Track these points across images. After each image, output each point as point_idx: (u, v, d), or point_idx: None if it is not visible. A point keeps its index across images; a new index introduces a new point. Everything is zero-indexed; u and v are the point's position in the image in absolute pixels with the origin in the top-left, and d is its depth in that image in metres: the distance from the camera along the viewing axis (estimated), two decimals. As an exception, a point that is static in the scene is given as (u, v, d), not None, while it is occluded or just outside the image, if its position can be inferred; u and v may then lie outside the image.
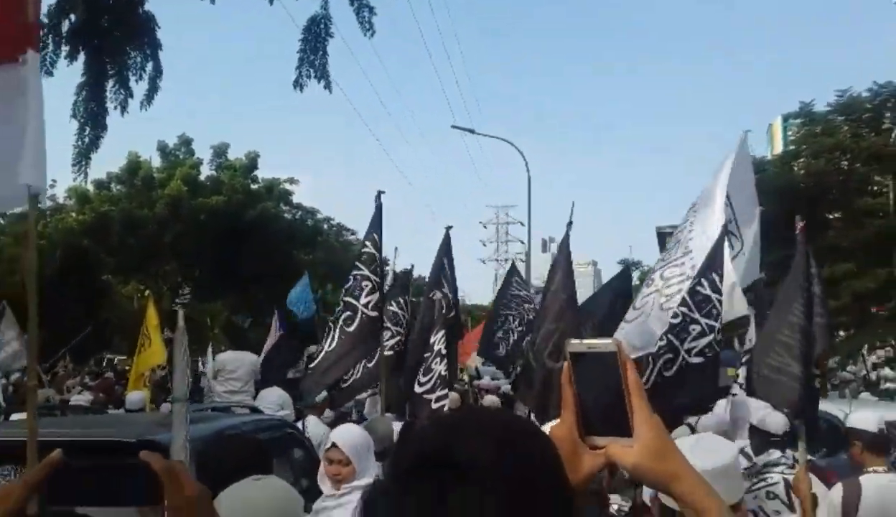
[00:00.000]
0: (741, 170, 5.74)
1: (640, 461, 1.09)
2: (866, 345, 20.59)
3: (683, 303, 4.87)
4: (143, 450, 1.25)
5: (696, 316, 4.79)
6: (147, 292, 12.77)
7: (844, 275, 20.71)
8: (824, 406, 7.11)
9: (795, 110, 25.41)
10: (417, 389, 5.70)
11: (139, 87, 9.67)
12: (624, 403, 1.11)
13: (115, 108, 9.62)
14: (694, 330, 4.73)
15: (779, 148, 34.45)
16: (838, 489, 4.27)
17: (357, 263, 6.65)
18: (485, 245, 70.45)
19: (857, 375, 17.32)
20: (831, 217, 23.23)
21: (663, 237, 49.55)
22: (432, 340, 5.83)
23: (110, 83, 9.46)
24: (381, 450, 4.85)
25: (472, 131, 29.15)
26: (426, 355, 5.85)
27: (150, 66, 9.55)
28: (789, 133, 32.16)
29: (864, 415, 4.74)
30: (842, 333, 22.15)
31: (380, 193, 6.83)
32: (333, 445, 3.92)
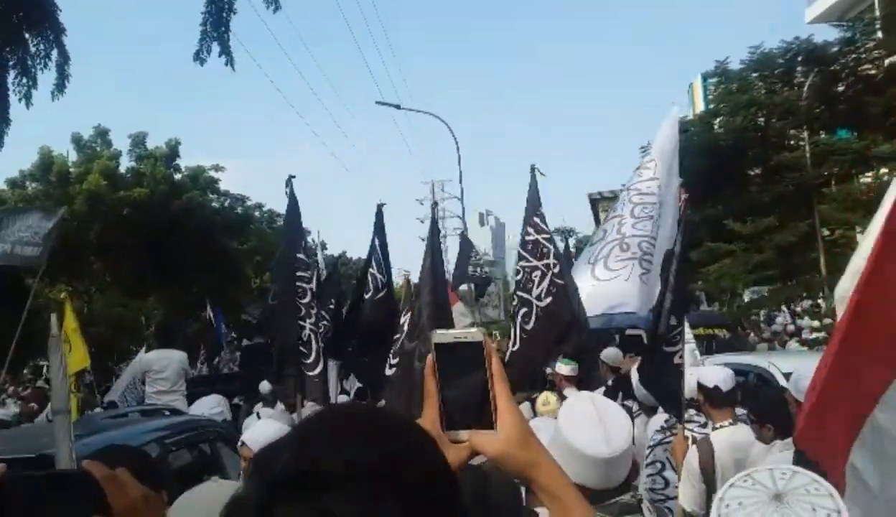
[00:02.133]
0: (668, 142, 6.22)
1: (503, 448, 1.08)
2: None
3: (519, 257, 5.29)
4: (43, 464, 1.20)
5: (534, 262, 5.14)
6: (63, 294, 12.27)
7: (767, 230, 21.39)
8: (755, 360, 7.35)
9: (712, 69, 26.01)
10: (388, 372, 5.63)
11: (46, 77, 9.29)
12: (486, 395, 1.09)
13: (20, 100, 9.20)
14: (535, 276, 5.06)
15: (700, 107, 35.24)
16: (693, 452, 4.40)
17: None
18: (422, 222, 70.40)
19: (783, 327, 17.94)
20: (752, 173, 23.92)
21: (595, 203, 50.19)
22: (402, 321, 5.72)
23: (11, 74, 9.04)
24: None
25: (397, 106, 28.91)
26: (395, 337, 5.75)
27: (54, 53, 9.16)
28: (709, 93, 32.93)
29: (711, 371, 4.77)
30: (767, 287, 22.96)
31: (290, 178, 6.63)
32: (243, 444, 3.86)
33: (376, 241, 7.49)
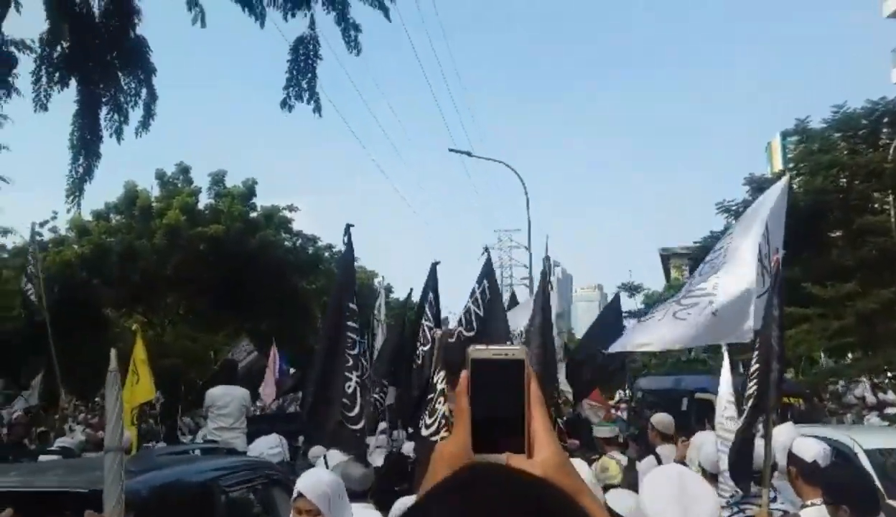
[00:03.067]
0: (779, 211, 6.07)
1: (545, 473, 0.99)
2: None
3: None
4: (96, 499, 1.15)
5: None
6: (135, 325, 12.58)
7: (848, 295, 20.54)
8: (836, 434, 6.95)
9: (792, 127, 25.43)
10: (424, 432, 5.39)
11: (134, 114, 9.66)
12: (521, 418, 1.01)
13: (111, 135, 9.59)
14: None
15: (779, 165, 34.49)
16: None
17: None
18: (490, 270, 70.30)
19: (861, 399, 17.06)
20: (833, 236, 23.12)
21: (666, 259, 49.33)
22: (434, 380, 5.55)
23: (104, 110, 9.44)
24: (363, 490, 4.76)
25: (468, 154, 29.16)
26: (429, 396, 5.56)
27: (144, 92, 9.53)
28: (788, 151, 32.21)
29: (810, 444, 4.49)
30: (849, 355, 21.96)
31: (348, 227, 6.66)
32: (300, 495, 3.65)
33: (430, 296, 7.52)
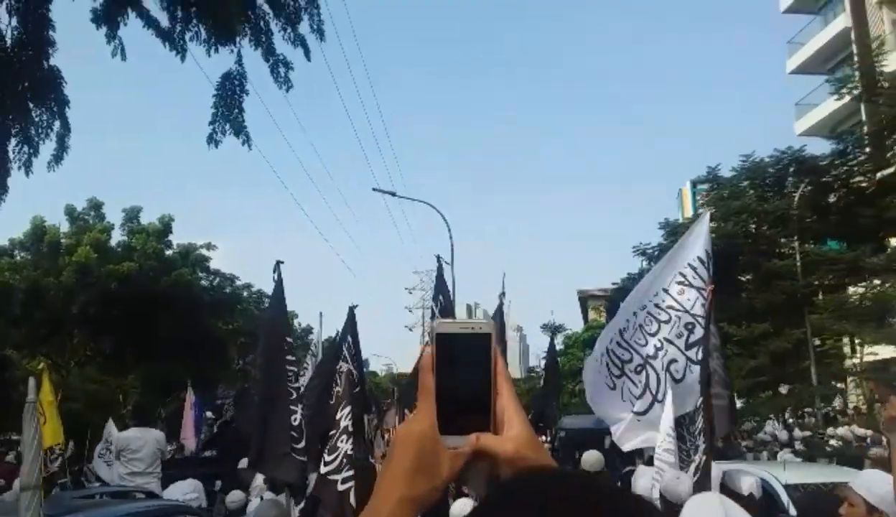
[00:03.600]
0: (707, 246, 6.50)
1: (516, 449, 0.94)
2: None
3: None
4: None
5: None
6: (41, 365, 11.94)
7: (762, 335, 21.32)
8: (753, 470, 7.12)
9: (703, 175, 26.45)
10: (322, 469, 5.28)
11: (46, 147, 9.24)
12: (486, 395, 0.96)
13: (19, 168, 9.13)
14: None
15: (689, 211, 35.80)
16: None
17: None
18: (411, 311, 70.19)
19: (773, 437, 17.58)
20: (743, 279, 24.00)
21: (584, 301, 50.23)
22: (338, 416, 5.43)
23: (13, 142, 8.99)
24: None
25: (392, 194, 29.16)
26: (332, 433, 5.46)
27: (57, 124, 9.15)
28: (698, 198, 33.46)
29: (740, 476, 4.74)
30: (762, 395, 22.71)
31: (278, 263, 6.71)
32: None
33: (349, 340, 7.57)
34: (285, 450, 6.04)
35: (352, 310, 7.58)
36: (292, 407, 6.14)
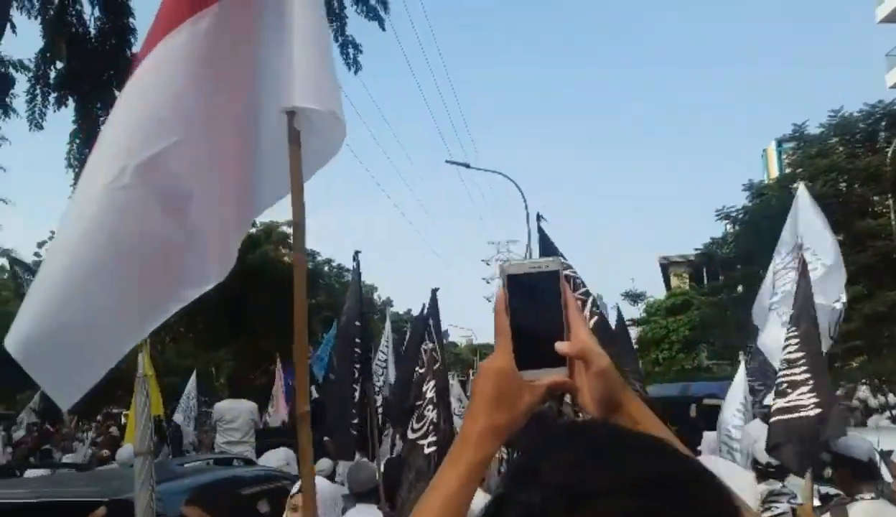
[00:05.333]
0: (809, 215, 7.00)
1: (604, 367, 1.02)
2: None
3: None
4: (116, 509, 1.11)
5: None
6: (140, 342, 12.56)
7: (855, 298, 20.53)
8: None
9: (789, 133, 25.43)
10: (411, 435, 5.81)
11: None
12: (559, 330, 1.02)
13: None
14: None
15: (775, 172, 34.50)
16: None
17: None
18: (488, 283, 70.37)
19: (863, 402, 16.95)
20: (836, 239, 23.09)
21: (666, 268, 49.20)
22: (424, 388, 5.99)
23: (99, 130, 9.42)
24: (367, 490, 5.19)
25: (466, 165, 29.15)
26: (418, 402, 6.00)
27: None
28: (784, 157, 32.21)
29: (856, 441, 4.62)
30: (856, 360, 21.90)
31: (356, 253, 7.12)
32: (298, 492, 3.90)
33: (430, 322, 7.75)
34: (346, 424, 6.68)
35: (434, 292, 7.83)
36: (354, 386, 6.70)
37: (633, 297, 39.10)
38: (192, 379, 14.37)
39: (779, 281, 7.00)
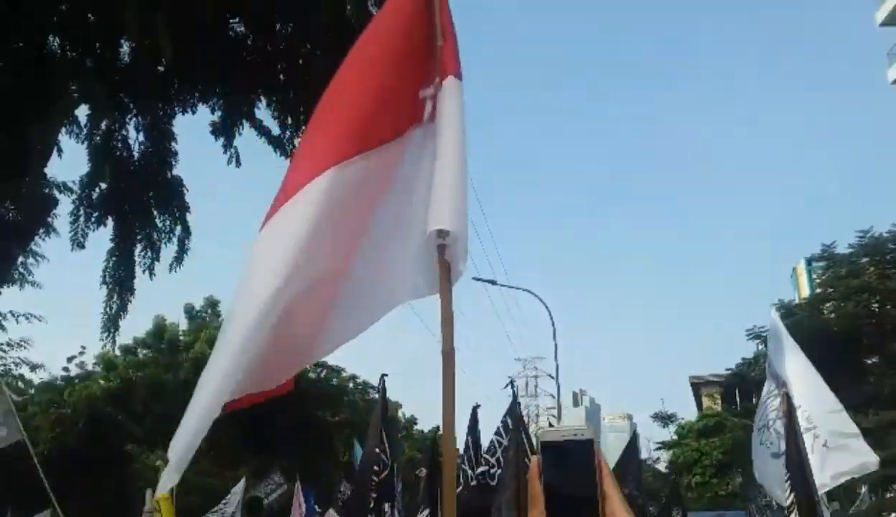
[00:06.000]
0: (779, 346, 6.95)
1: None
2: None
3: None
4: None
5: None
6: (158, 462, 12.47)
7: (891, 424, 19.83)
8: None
9: (818, 253, 25.38)
10: None
11: (167, 250, 9.87)
12: (595, 498, 1.01)
13: (144, 272, 9.76)
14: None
15: (805, 291, 34.20)
16: None
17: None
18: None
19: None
20: (869, 362, 22.60)
21: (697, 387, 48.36)
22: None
23: (138, 247, 9.64)
24: None
25: (493, 282, 29.28)
26: None
27: (178, 229, 9.77)
28: (814, 276, 31.97)
29: None
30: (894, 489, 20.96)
31: (383, 377, 7.26)
32: None
33: (469, 439, 7.86)
34: None
35: (475, 410, 8.00)
36: (372, 494, 6.80)
37: (664, 419, 38.19)
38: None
39: (761, 408, 7.07)
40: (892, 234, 22.16)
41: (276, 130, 9.91)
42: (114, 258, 9.59)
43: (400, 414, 43.52)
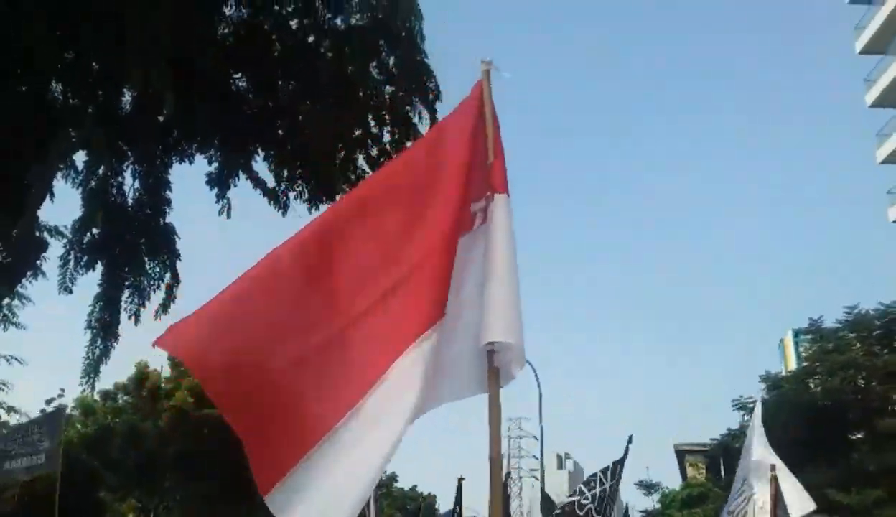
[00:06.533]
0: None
1: None
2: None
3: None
4: None
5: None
6: (129, 512, 12.22)
7: (876, 502, 19.66)
8: None
9: (805, 326, 25.50)
10: None
11: (154, 297, 9.82)
12: None
13: (129, 317, 9.69)
14: None
15: (792, 363, 34.22)
16: None
17: None
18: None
19: None
20: (854, 438, 22.50)
21: (681, 455, 47.83)
22: None
23: (126, 293, 9.60)
24: None
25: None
26: None
27: (167, 276, 9.74)
28: (801, 349, 32.05)
29: None
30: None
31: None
32: None
33: (456, 509, 7.97)
34: None
35: (460, 482, 8.03)
36: None
37: (648, 487, 37.74)
38: None
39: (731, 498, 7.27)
40: (878, 312, 22.32)
41: (271, 183, 9.99)
42: (101, 303, 9.53)
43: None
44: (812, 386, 23.90)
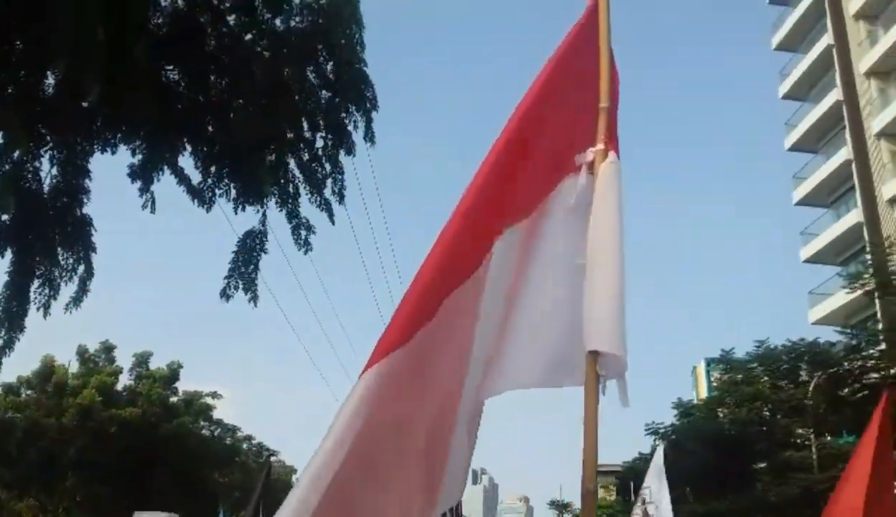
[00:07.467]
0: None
1: None
2: None
3: None
4: None
5: None
6: (23, 511, 11.68)
7: (775, 532, 20.39)
8: None
9: (717, 356, 26.36)
10: None
11: (66, 289, 9.42)
12: None
13: (38, 309, 9.25)
14: None
15: (703, 391, 35.27)
16: None
17: None
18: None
19: None
20: (758, 467, 23.28)
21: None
22: None
23: (35, 283, 9.18)
24: None
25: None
26: None
27: (81, 268, 9.35)
28: (712, 379, 33.06)
29: None
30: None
31: (268, 458, 7.63)
32: None
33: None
34: None
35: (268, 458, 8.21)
36: None
37: (560, 507, 38.21)
38: None
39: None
40: (785, 348, 23.20)
41: (196, 179, 9.73)
42: (8, 292, 9.09)
43: (294, 479, 42.10)
44: (721, 415, 24.66)
